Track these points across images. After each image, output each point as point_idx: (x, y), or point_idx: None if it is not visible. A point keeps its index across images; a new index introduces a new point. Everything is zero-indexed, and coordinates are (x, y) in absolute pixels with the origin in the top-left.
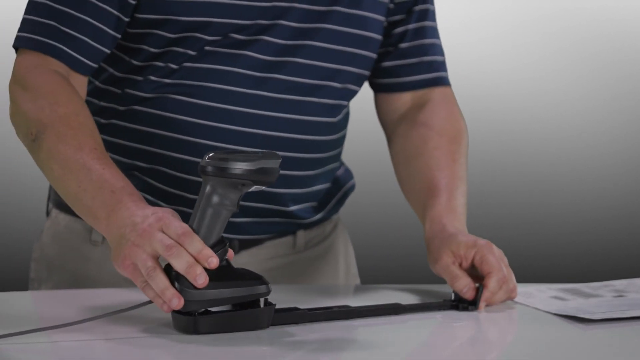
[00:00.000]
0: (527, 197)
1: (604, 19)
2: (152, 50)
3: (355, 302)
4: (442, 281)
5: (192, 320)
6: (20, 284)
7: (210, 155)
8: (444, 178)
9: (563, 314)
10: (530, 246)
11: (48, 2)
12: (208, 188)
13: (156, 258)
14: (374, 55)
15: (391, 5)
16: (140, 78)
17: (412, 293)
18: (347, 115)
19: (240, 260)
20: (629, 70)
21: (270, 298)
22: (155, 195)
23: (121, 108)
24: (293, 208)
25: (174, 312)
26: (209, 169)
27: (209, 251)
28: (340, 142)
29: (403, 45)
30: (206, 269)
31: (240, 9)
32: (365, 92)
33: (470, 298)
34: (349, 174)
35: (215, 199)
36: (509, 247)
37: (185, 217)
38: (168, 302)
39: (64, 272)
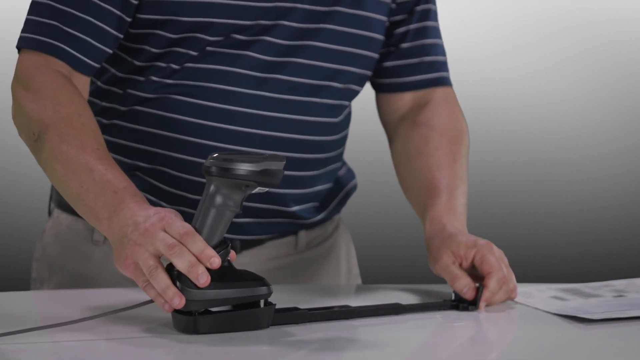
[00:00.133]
0: (527, 197)
1: (604, 19)
2: (154, 50)
3: (355, 302)
4: (442, 281)
5: (192, 320)
6: (21, 283)
7: (215, 155)
8: (445, 178)
9: (563, 314)
10: (530, 246)
11: (50, 3)
12: (212, 188)
13: (158, 257)
14: (375, 56)
15: (393, 5)
16: (141, 78)
17: (412, 293)
18: (348, 115)
19: (242, 260)
20: (629, 70)
21: (271, 298)
22: (157, 196)
23: (123, 108)
24: (295, 208)
25: (174, 312)
26: (213, 169)
27: (211, 251)
28: (342, 142)
29: (404, 45)
30: (208, 269)
31: (242, 10)
32: (367, 92)
33: (470, 298)
34: (350, 174)
35: (219, 199)
36: (509, 247)
37: (188, 218)
38: (169, 302)
39: (66, 272)
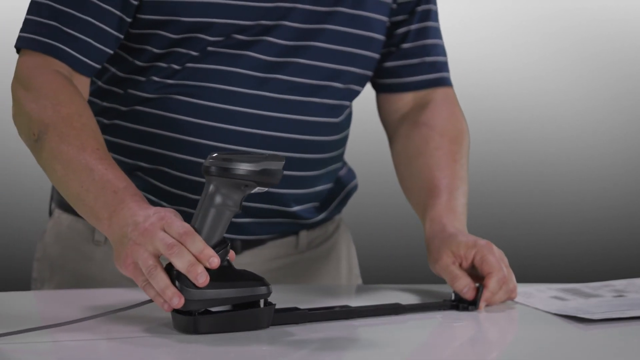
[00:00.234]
0: (527, 197)
1: (604, 19)
2: (155, 50)
3: (355, 302)
4: (442, 281)
5: (192, 320)
6: (22, 283)
7: (214, 155)
8: (445, 178)
9: (563, 314)
10: (530, 246)
11: (50, 3)
12: (211, 188)
13: (157, 257)
14: (376, 56)
15: (394, 6)
16: (142, 79)
17: (413, 293)
18: (349, 115)
19: (242, 260)
20: (629, 70)
21: (271, 298)
22: (157, 196)
23: (124, 108)
24: (295, 208)
25: (174, 312)
26: (213, 169)
27: (210, 251)
28: (342, 143)
29: (405, 45)
30: (207, 269)
31: (243, 10)
32: (368, 92)
33: (470, 298)
34: (351, 174)
35: (218, 199)
36: (509, 247)
37: (188, 218)
38: (169, 301)
39: (67, 272)
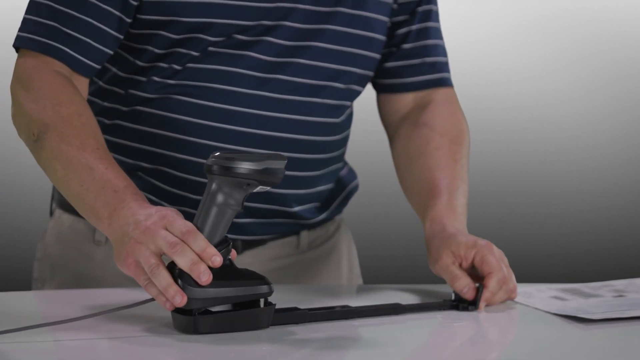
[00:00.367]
0: (527, 197)
1: (604, 19)
2: (156, 51)
3: (355, 302)
4: (442, 281)
5: (192, 320)
6: (23, 283)
7: (216, 154)
8: (445, 178)
9: (563, 314)
10: (530, 246)
11: (49, 3)
12: (213, 187)
13: (159, 255)
14: (377, 56)
15: (395, 6)
16: (143, 79)
17: (413, 293)
18: (350, 115)
19: (243, 260)
20: (629, 70)
21: (271, 298)
22: (158, 196)
23: (124, 109)
24: (296, 209)
25: (174, 311)
26: (215, 167)
27: (213, 249)
28: (343, 143)
29: (406, 46)
30: (209, 268)
31: (244, 10)
32: (369, 93)
33: (470, 298)
34: (352, 174)
35: (220, 198)
36: (509, 247)
37: (189, 218)
38: (171, 299)
39: (67, 272)
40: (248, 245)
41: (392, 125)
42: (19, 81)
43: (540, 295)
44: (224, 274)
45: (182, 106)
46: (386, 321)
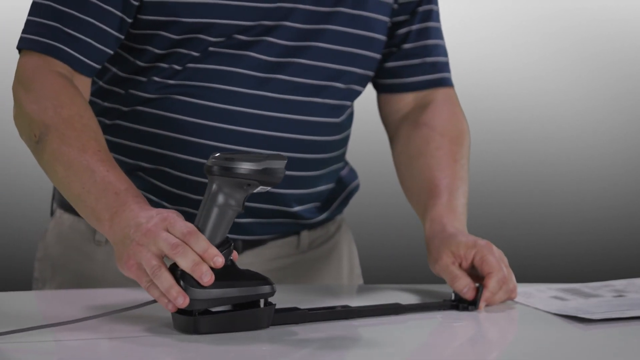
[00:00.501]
0: (527, 197)
1: (604, 19)
2: (157, 51)
3: (355, 302)
4: (442, 281)
5: (192, 320)
6: (23, 283)
7: (216, 155)
8: (445, 178)
9: (563, 314)
10: (530, 246)
11: (51, 4)
12: (214, 187)
13: (161, 257)
14: (378, 56)
15: (395, 6)
16: (144, 79)
17: (413, 293)
18: (351, 115)
19: (244, 260)
20: (629, 70)
21: (271, 298)
22: (159, 196)
23: (125, 109)
24: (297, 209)
25: (174, 311)
26: (215, 168)
27: (214, 250)
28: (344, 143)
29: (406, 45)
30: (211, 269)
31: (244, 10)
32: (369, 92)
33: (470, 298)
34: (353, 174)
35: (221, 198)
36: (509, 247)
37: (190, 218)
38: (173, 301)
39: (68, 272)
40: (248, 245)
41: (392, 125)
42: (20, 82)
43: (540, 295)
44: (226, 274)
45: (183, 106)
46: (386, 321)
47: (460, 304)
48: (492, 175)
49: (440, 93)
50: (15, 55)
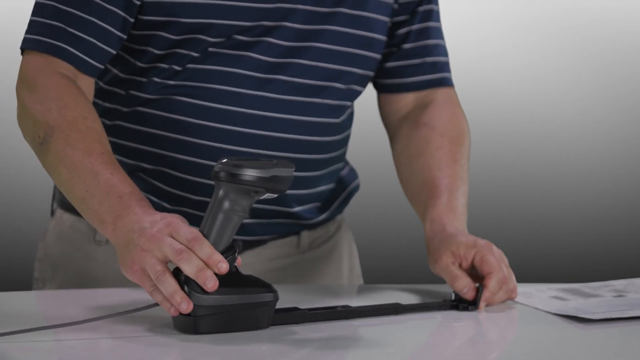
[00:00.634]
0: (527, 197)
1: (604, 19)
2: (156, 52)
3: (355, 302)
4: (442, 281)
5: (192, 320)
6: (23, 283)
7: (224, 160)
8: (445, 178)
9: (563, 314)
10: (530, 246)
11: (54, 3)
12: (220, 193)
13: (165, 263)
14: (378, 56)
15: (395, 6)
16: (144, 80)
17: (413, 293)
18: (351, 115)
19: (244, 260)
20: (629, 70)
21: None
22: (159, 197)
23: (125, 109)
24: (297, 209)
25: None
26: (222, 174)
27: (219, 256)
28: (344, 143)
29: (406, 45)
30: (215, 274)
31: (243, 11)
32: (370, 92)
33: (470, 298)
34: (353, 174)
35: (227, 204)
36: (509, 247)
37: (191, 219)
38: (177, 306)
39: (68, 272)
40: (248, 245)
41: (392, 125)
42: (24, 82)
43: (540, 295)
44: (230, 280)
45: (183, 107)
46: (386, 321)
47: (460, 304)
48: (492, 175)
49: (440, 93)
50: (17, 55)
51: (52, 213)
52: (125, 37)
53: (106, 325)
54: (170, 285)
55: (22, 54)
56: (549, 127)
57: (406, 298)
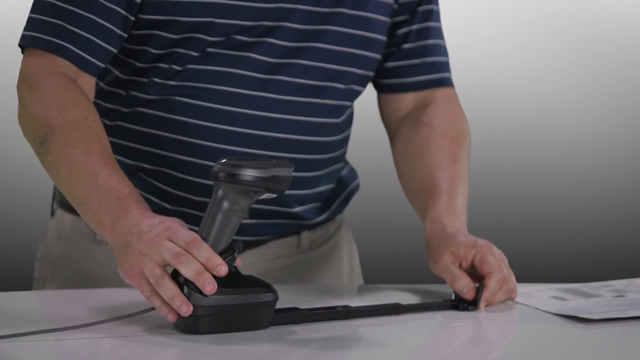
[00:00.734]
0: (527, 197)
1: (604, 19)
2: (155, 51)
3: (355, 302)
4: (442, 281)
5: (192, 320)
6: (24, 283)
7: (223, 161)
8: (445, 178)
9: (563, 314)
10: (530, 246)
11: (54, 1)
12: (219, 193)
13: (164, 266)
14: (378, 57)
15: (395, 6)
16: (144, 80)
17: (413, 293)
18: (351, 115)
19: (244, 260)
20: (629, 70)
21: None
22: (159, 197)
23: (126, 110)
24: (297, 209)
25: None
26: (221, 174)
27: (218, 259)
28: (344, 143)
29: (406, 45)
30: (214, 277)
31: (243, 10)
32: (370, 92)
33: (470, 298)
34: (353, 174)
35: (226, 204)
36: (509, 247)
37: (191, 219)
38: (177, 309)
39: (68, 272)
40: (249, 245)
41: (392, 125)
42: (25, 82)
43: (540, 295)
44: (230, 281)
45: (183, 107)
46: (386, 321)
47: (460, 304)
48: (492, 175)
49: (440, 93)
50: (17, 55)
51: (52, 213)
52: (126, 35)
53: (106, 325)
54: (169, 289)
55: (22, 52)
56: (549, 127)
57: (406, 298)
